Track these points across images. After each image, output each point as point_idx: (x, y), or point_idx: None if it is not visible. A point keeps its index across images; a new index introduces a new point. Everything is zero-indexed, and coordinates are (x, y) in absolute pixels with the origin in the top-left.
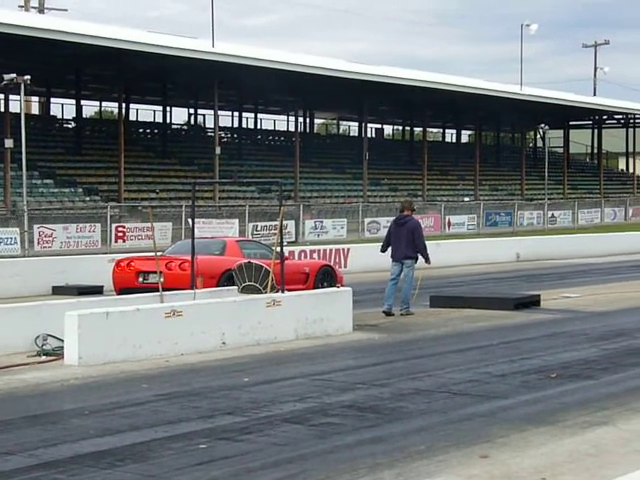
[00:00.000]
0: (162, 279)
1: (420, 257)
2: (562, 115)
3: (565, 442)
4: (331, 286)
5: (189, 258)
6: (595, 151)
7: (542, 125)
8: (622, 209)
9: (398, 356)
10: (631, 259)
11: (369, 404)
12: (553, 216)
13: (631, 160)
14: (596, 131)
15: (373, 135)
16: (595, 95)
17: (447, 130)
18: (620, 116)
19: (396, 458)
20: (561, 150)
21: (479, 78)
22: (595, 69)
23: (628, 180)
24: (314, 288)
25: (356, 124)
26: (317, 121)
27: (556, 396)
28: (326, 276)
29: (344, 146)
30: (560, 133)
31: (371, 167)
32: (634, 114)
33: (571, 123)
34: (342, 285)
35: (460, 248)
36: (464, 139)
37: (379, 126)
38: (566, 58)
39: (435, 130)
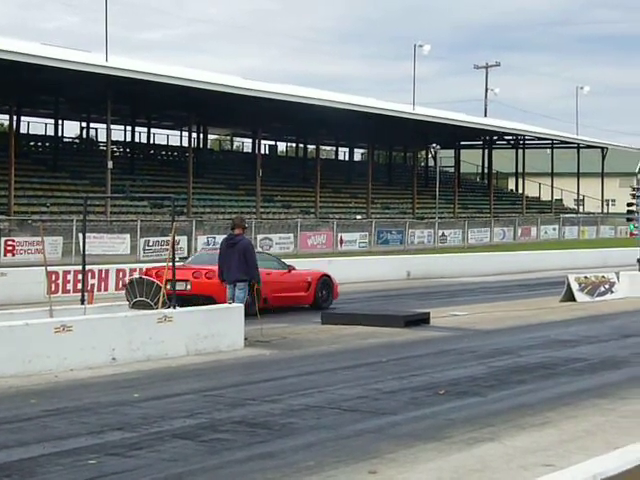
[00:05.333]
0: (189, 287)
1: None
2: (453, 135)
3: (452, 458)
4: (329, 294)
5: (213, 268)
6: (485, 171)
7: (433, 145)
8: (511, 229)
9: (289, 372)
10: (519, 278)
11: (259, 420)
12: (443, 235)
13: (520, 180)
14: (486, 151)
15: (267, 152)
16: (486, 116)
17: (340, 148)
18: (510, 137)
19: (286, 474)
20: (452, 170)
21: (374, 97)
22: (486, 90)
23: (517, 200)
24: (315, 296)
25: (250, 140)
26: (211, 137)
27: (444, 412)
28: (324, 285)
29: (238, 162)
30: (451, 153)
31: (264, 184)
32: (523, 135)
33: (462, 143)
34: (337, 294)
35: (352, 265)
36: (357, 157)
37: (273, 143)
38: (459, 79)
39: (328, 148)
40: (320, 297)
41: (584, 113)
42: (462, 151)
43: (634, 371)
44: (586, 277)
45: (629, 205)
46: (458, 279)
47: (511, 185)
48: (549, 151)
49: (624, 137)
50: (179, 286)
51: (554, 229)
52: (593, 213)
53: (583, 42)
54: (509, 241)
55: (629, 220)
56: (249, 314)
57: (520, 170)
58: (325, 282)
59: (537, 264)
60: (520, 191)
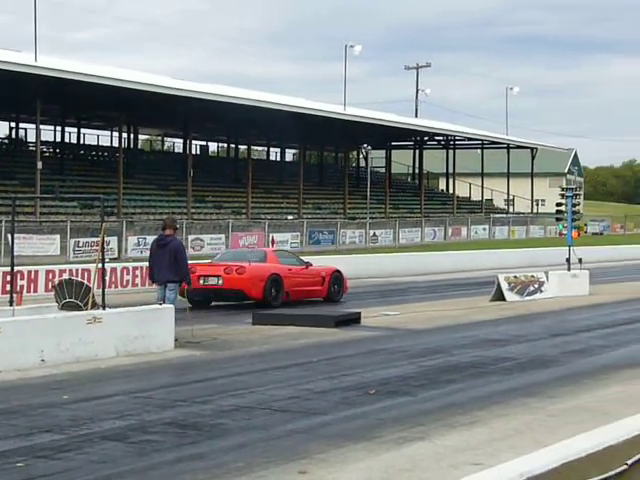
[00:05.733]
0: (221, 281)
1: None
2: (384, 135)
3: (382, 457)
4: (340, 288)
5: (243, 264)
6: (416, 171)
7: (364, 145)
8: (442, 229)
9: (220, 373)
10: (450, 278)
11: (190, 421)
12: (375, 235)
13: (451, 181)
14: (417, 152)
15: (198, 152)
16: (417, 116)
17: (272, 148)
18: (441, 137)
19: (216, 475)
20: (383, 170)
21: (305, 97)
22: (417, 91)
23: (448, 200)
24: (328, 290)
25: (181, 141)
26: (141, 137)
27: (374, 412)
28: (336, 280)
29: (168, 163)
30: (382, 153)
31: (195, 184)
32: (454, 136)
33: (393, 143)
34: (347, 288)
35: None
36: (288, 158)
37: (204, 143)
38: (390, 79)
39: (260, 148)
40: (333, 291)
41: (514, 113)
42: (393, 151)
43: (562, 370)
44: (516, 277)
45: (558, 205)
46: (389, 279)
47: (442, 185)
48: (479, 151)
49: (553, 137)
50: (212, 281)
51: (484, 229)
52: (523, 213)
53: (512, 43)
54: (440, 241)
55: (558, 220)
56: (274, 306)
57: (451, 170)
58: (337, 277)
59: (467, 264)
60: (451, 191)
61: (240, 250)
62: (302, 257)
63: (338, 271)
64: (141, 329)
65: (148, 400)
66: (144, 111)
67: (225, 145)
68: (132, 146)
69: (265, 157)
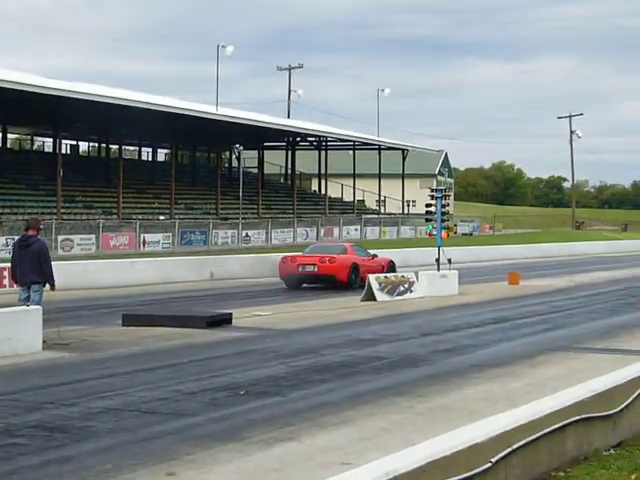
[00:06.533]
0: (316, 269)
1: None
2: (257, 136)
3: (251, 458)
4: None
5: (333, 255)
6: (289, 172)
7: (237, 145)
8: (314, 229)
9: (88, 375)
10: None
11: (57, 424)
12: (247, 235)
13: (323, 181)
14: (290, 152)
15: (68, 152)
16: (289, 117)
17: (144, 148)
18: (313, 138)
19: (83, 477)
20: (256, 170)
21: (178, 97)
22: (289, 92)
23: (320, 201)
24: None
25: (51, 140)
26: (11, 136)
27: (244, 413)
28: (391, 268)
29: (38, 162)
30: (255, 153)
31: (65, 184)
32: (326, 137)
33: (266, 144)
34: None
35: (155, 266)
36: (160, 157)
37: (75, 143)
38: (263, 80)
39: (132, 148)
40: None
41: (387, 115)
42: (266, 152)
43: (432, 369)
44: (386, 277)
45: (428, 206)
46: (262, 279)
47: (314, 186)
48: (351, 152)
49: (425, 139)
50: (308, 268)
51: (356, 229)
52: (394, 214)
53: (385, 45)
54: (312, 241)
55: (428, 221)
56: (354, 287)
57: (323, 171)
58: (391, 266)
59: None
60: (323, 192)
61: (324, 245)
62: (368, 249)
63: (392, 261)
64: (7, 331)
65: (14, 403)
66: (13, 110)
67: (96, 145)
68: (1, 145)
69: (137, 157)
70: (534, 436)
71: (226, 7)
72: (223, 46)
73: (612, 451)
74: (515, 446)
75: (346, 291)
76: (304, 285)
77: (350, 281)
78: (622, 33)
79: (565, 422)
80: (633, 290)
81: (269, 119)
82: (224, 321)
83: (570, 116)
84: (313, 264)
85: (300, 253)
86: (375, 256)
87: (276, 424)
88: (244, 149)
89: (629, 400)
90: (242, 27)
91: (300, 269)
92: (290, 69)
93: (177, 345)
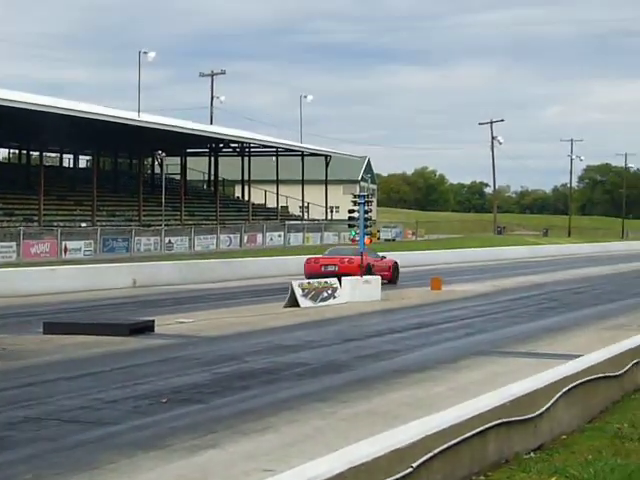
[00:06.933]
0: (337, 268)
1: None
2: (179, 142)
3: (173, 466)
4: (397, 274)
5: (351, 256)
6: (212, 178)
7: (159, 152)
8: (238, 235)
9: (8, 384)
10: (245, 284)
11: None
12: (170, 242)
13: (246, 188)
14: (213, 159)
15: None
16: (212, 124)
17: (65, 155)
18: (236, 145)
19: None
20: (179, 177)
21: (101, 104)
22: (212, 98)
23: (243, 207)
24: (392, 274)
25: None
26: None
27: (166, 421)
28: (395, 268)
29: None
30: (178, 160)
31: None
32: (249, 143)
33: (189, 150)
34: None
35: (77, 274)
36: (82, 164)
37: None
38: (186, 86)
39: (53, 155)
40: (394, 275)
41: (310, 121)
42: (189, 158)
43: (354, 375)
44: (309, 283)
45: (350, 212)
46: (185, 286)
47: (238, 192)
48: (274, 158)
49: (348, 145)
50: (330, 268)
51: (279, 236)
52: (318, 220)
53: (308, 52)
54: (236, 248)
55: (350, 227)
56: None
57: (246, 177)
58: (396, 267)
59: (263, 271)
60: (246, 198)
61: (342, 248)
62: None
63: (396, 263)
64: None
65: None
66: None
67: (16, 151)
68: None
69: (58, 163)
70: (455, 440)
71: (147, 13)
72: (145, 52)
73: (532, 454)
74: (436, 451)
75: (268, 298)
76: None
77: None
78: (542, 40)
79: (486, 426)
80: (554, 294)
81: (191, 125)
82: (146, 328)
83: (491, 122)
84: (334, 264)
85: (321, 255)
86: (384, 257)
87: (198, 431)
88: (167, 155)
89: (549, 404)
90: (164, 33)
91: (323, 269)
92: (212, 75)
93: (99, 353)
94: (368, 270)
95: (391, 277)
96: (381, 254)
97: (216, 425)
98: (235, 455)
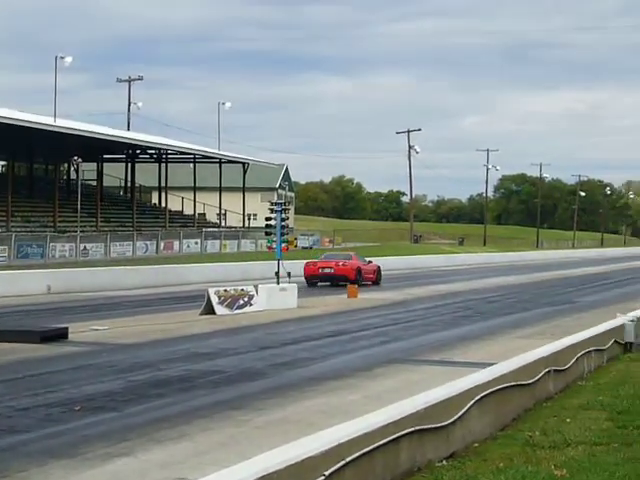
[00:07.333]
0: (333, 270)
1: None
2: (96, 148)
3: (85, 475)
4: (380, 277)
5: (345, 260)
6: (129, 185)
7: (76, 157)
8: (154, 242)
9: None
10: (162, 292)
11: None
12: (86, 248)
13: (163, 194)
14: (129, 165)
15: None
16: (129, 129)
17: None
18: (153, 151)
19: None
20: (95, 183)
21: (16, 108)
22: (129, 104)
23: (160, 214)
24: (376, 277)
25: None
26: None
27: (79, 429)
28: (378, 272)
29: None
30: (95, 166)
31: None
32: (166, 149)
33: (105, 156)
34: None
35: None
36: None
37: None
38: (105, 91)
39: None
40: (378, 278)
41: (229, 129)
42: (105, 164)
43: (269, 382)
44: (226, 290)
45: (267, 220)
46: (101, 293)
47: (155, 199)
48: (192, 165)
49: (267, 153)
50: (327, 270)
51: (196, 243)
52: (235, 227)
53: (227, 58)
54: (152, 255)
55: (267, 234)
56: (360, 284)
57: (163, 184)
58: (379, 270)
59: (179, 278)
60: (163, 205)
61: (335, 254)
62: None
63: (379, 267)
64: None
65: None
66: None
67: None
68: None
69: None
70: (368, 448)
71: (67, 17)
72: (62, 57)
73: (445, 462)
74: (349, 459)
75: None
76: (319, 284)
77: (357, 279)
78: (460, 50)
79: (399, 434)
80: (469, 303)
81: (108, 131)
82: (60, 336)
83: (408, 131)
84: (330, 267)
85: (318, 259)
86: (370, 262)
87: (112, 440)
88: (83, 161)
89: (462, 412)
90: (84, 38)
91: (320, 270)
92: (130, 81)
93: (10, 360)
94: (359, 272)
95: (375, 279)
96: (367, 259)
97: (130, 433)
98: (148, 463)
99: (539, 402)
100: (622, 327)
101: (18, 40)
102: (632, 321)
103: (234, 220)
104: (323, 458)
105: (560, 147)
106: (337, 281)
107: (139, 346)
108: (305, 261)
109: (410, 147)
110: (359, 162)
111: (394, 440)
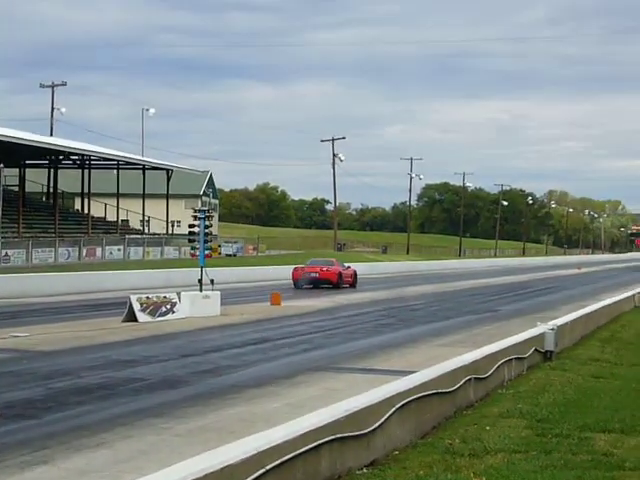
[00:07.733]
0: (318, 275)
1: None
2: (18, 154)
3: None
4: (356, 280)
5: (329, 267)
6: (51, 191)
7: None
8: (76, 249)
9: None
10: (83, 298)
11: None
12: (7, 255)
13: (86, 201)
14: (52, 171)
15: None
16: (52, 135)
17: None
18: (76, 157)
19: None
20: (17, 188)
21: None
22: (52, 109)
23: (83, 220)
24: (353, 280)
25: None
26: None
27: None
28: (355, 276)
29: None
30: (16, 172)
31: None
32: (89, 155)
33: (28, 162)
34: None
35: None
36: None
37: None
38: (26, 97)
39: None
40: (354, 282)
41: (153, 135)
42: (28, 170)
43: (191, 390)
44: (148, 297)
45: (191, 227)
46: (21, 299)
47: (78, 205)
48: (115, 172)
49: (191, 159)
50: (313, 274)
51: (119, 249)
52: (158, 234)
53: (151, 65)
54: (74, 261)
55: (190, 241)
56: (341, 287)
57: (86, 190)
58: (355, 274)
59: (102, 284)
60: (86, 211)
61: (319, 260)
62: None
63: (356, 271)
64: None
65: None
66: None
67: None
68: None
69: None
70: (288, 456)
71: None
72: None
73: (365, 470)
74: (269, 467)
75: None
76: (304, 287)
77: (338, 283)
78: (385, 59)
79: (319, 442)
80: (391, 311)
81: (29, 136)
82: None
83: (333, 139)
84: (316, 272)
85: (304, 265)
86: (349, 267)
87: (31, 447)
88: (4, 167)
89: (383, 419)
90: (3, 42)
91: (307, 275)
92: (53, 86)
93: None
94: (340, 276)
95: (352, 283)
96: (346, 264)
97: (49, 441)
98: (67, 471)
99: (460, 410)
100: (542, 336)
101: None
102: (552, 330)
103: (158, 227)
104: (243, 466)
105: (483, 156)
106: (322, 284)
107: (60, 353)
108: (293, 266)
109: (334, 155)
110: (284, 170)
111: (315, 448)
